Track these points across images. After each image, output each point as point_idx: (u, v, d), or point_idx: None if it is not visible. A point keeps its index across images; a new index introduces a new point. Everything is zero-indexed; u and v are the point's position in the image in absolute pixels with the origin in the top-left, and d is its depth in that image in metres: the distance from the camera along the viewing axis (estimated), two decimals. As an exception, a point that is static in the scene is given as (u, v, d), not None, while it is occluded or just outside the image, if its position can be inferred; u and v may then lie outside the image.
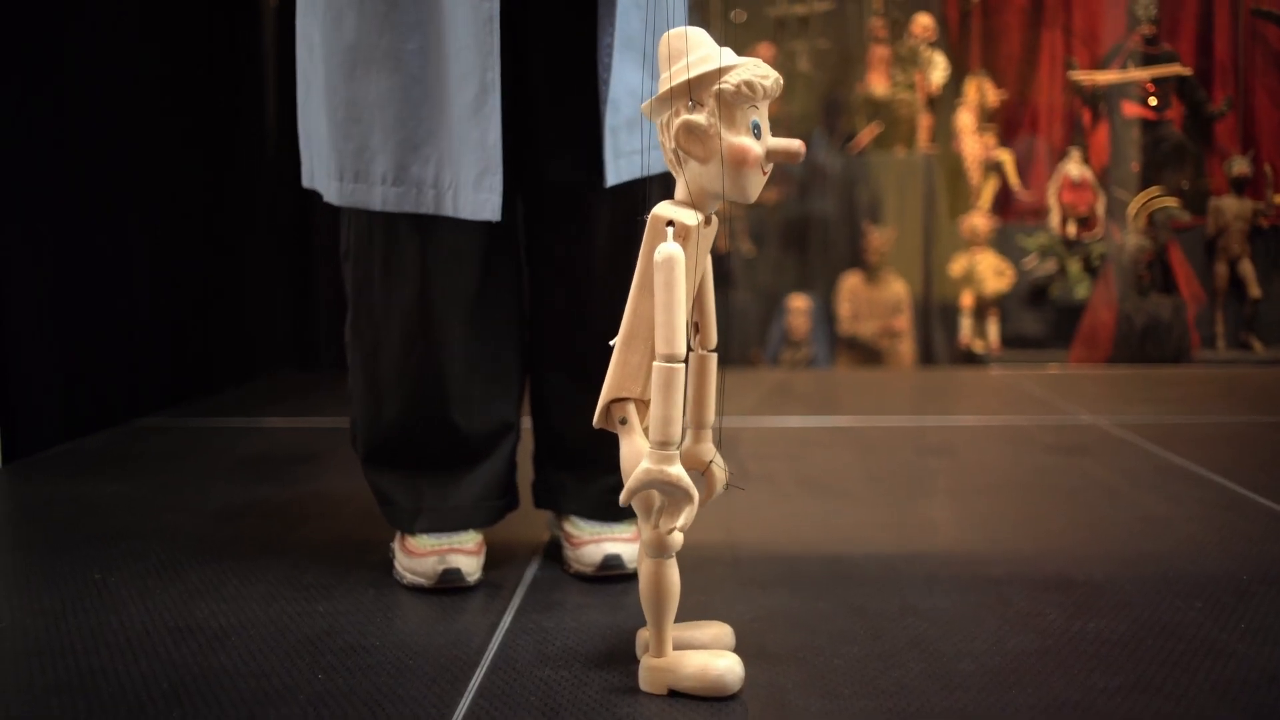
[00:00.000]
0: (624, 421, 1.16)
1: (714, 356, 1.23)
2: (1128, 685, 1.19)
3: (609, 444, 1.62)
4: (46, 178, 2.58)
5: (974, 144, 4.50)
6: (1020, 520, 1.94)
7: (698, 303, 1.22)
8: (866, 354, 4.35)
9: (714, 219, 1.17)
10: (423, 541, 1.54)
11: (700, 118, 1.09)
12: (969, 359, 4.36)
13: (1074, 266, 4.38)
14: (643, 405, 1.17)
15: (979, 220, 4.42)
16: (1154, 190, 4.41)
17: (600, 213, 1.57)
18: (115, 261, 2.87)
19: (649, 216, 1.12)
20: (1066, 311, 4.40)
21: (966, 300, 4.39)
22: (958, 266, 4.41)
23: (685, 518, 1.12)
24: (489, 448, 1.60)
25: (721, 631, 1.27)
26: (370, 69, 1.45)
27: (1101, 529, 1.86)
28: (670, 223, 1.11)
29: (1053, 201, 4.46)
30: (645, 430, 1.15)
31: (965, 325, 4.39)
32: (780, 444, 2.64)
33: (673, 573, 1.15)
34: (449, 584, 1.51)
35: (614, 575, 1.58)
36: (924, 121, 4.54)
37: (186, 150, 3.26)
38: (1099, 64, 4.56)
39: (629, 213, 1.60)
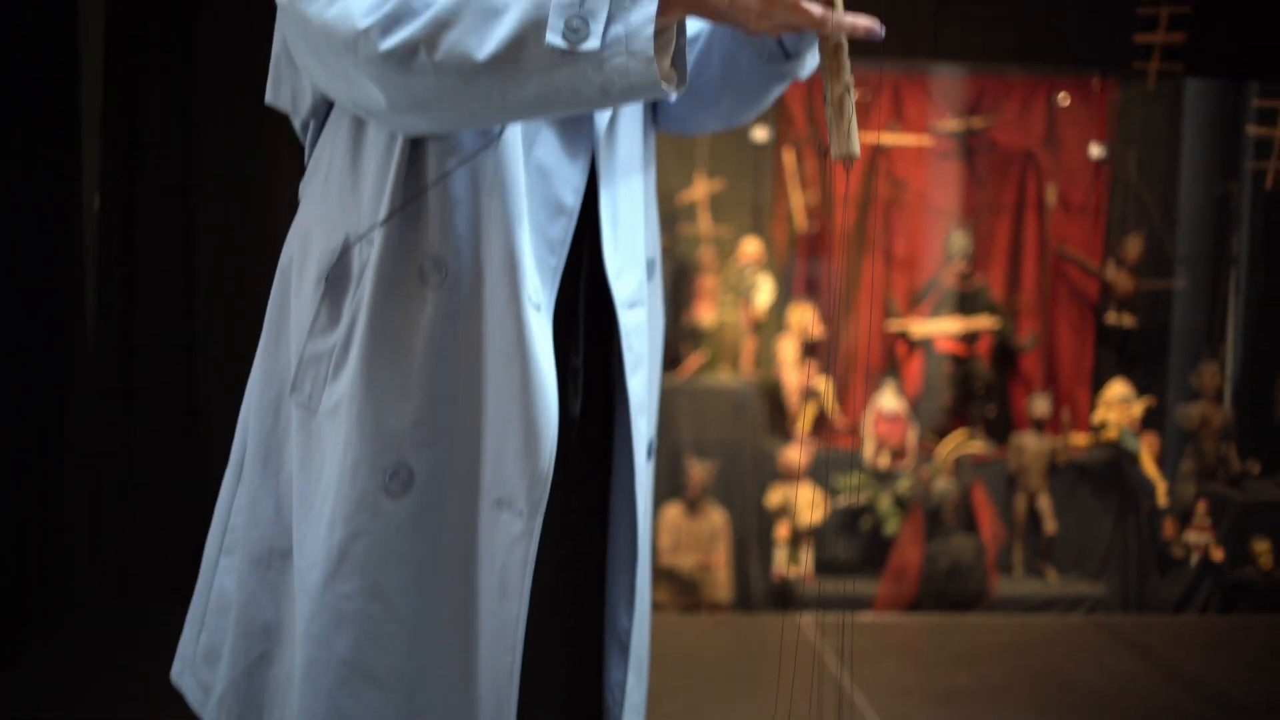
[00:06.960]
0: None
1: None
2: None
3: None
4: None
5: (794, 373, 4.59)
6: None
7: None
8: (684, 587, 4.42)
9: None
10: None
11: None
12: (782, 598, 4.47)
13: (884, 503, 4.52)
14: None
15: (796, 451, 4.53)
16: (960, 434, 4.60)
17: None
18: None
19: None
20: (877, 545, 4.56)
21: (782, 531, 4.50)
22: (775, 497, 4.51)
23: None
24: None
25: None
26: (365, 687, 1.28)
27: None
28: None
29: (868, 432, 4.60)
30: None
31: (780, 556, 4.50)
32: None
33: None
34: None
35: None
36: (748, 345, 4.61)
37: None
38: (917, 296, 4.70)
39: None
